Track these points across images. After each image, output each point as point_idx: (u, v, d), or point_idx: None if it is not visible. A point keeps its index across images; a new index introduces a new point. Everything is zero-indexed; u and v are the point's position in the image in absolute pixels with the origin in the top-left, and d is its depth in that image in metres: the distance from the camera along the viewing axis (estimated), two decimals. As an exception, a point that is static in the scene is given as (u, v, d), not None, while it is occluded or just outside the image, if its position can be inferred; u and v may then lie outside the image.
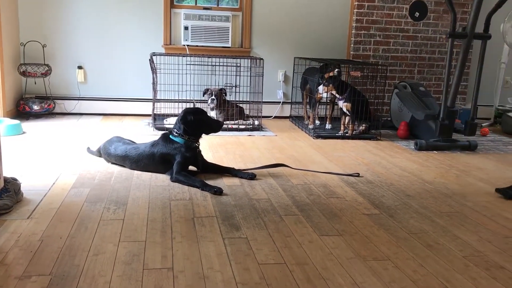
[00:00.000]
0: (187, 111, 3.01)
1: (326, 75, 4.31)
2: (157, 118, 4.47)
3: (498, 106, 5.42)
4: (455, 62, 4.27)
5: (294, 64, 5.15)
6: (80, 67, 4.91)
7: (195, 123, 2.97)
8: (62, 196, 2.49)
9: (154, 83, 4.43)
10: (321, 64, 4.47)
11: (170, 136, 2.99)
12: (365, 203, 2.59)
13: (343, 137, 4.33)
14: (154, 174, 2.95)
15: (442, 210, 2.52)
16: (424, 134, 4.22)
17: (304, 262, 1.85)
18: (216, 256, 1.86)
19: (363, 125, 4.38)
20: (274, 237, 2.07)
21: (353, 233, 2.15)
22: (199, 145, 3.04)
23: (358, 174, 3.14)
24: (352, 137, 4.33)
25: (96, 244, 1.93)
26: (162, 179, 2.85)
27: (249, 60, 4.87)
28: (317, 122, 4.74)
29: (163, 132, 3.27)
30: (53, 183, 2.69)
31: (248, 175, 2.94)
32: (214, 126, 3.07)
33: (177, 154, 2.91)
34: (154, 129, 4.29)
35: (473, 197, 2.77)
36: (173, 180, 2.82)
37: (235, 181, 2.89)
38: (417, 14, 5.24)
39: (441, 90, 5.38)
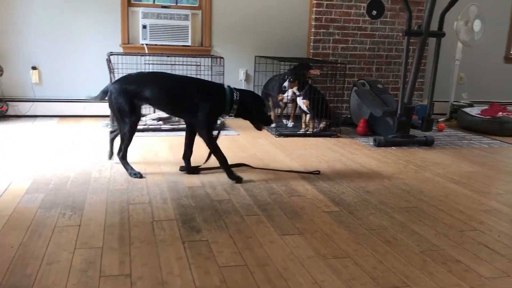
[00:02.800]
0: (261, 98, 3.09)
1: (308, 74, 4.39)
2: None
3: (454, 101, 5.58)
4: (411, 59, 4.36)
5: (255, 63, 5.14)
6: (34, 68, 4.74)
7: (259, 109, 2.96)
8: (14, 202, 2.39)
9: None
10: (296, 64, 4.50)
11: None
12: (326, 200, 2.60)
13: (304, 135, 4.36)
14: (112, 177, 2.87)
15: (401, 206, 2.57)
16: (383, 131, 4.30)
17: (265, 263, 1.84)
18: (175, 261, 1.83)
19: (323, 122, 4.43)
20: (235, 239, 2.05)
21: (313, 232, 2.16)
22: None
23: (319, 171, 3.16)
24: (313, 135, 4.36)
25: (50, 252, 1.86)
26: (120, 182, 2.79)
27: (210, 59, 4.82)
28: (287, 121, 4.74)
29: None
30: (5, 189, 2.58)
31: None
32: (268, 120, 3.08)
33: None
34: (113, 131, 4.19)
35: (430, 192, 2.84)
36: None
37: (195, 181, 2.86)
38: (374, 12, 5.32)
39: (398, 87, 5.49)
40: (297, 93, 4.35)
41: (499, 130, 4.70)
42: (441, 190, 2.89)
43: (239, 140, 4.08)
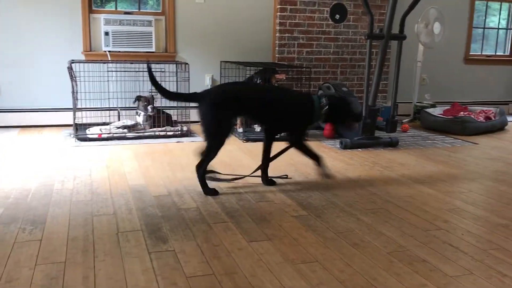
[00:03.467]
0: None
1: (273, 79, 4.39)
2: (79, 128, 4.27)
3: (417, 102, 5.70)
4: (374, 62, 4.43)
5: (221, 68, 5.12)
6: (-9, 77, 4.59)
7: (347, 110, 2.96)
8: (-29, 219, 2.30)
9: (74, 92, 4.23)
10: (261, 69, 4.50)
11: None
12: (294, 205, 2.60)
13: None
14: (75, 188, 2.80)
15: (367, 207, 2.59)
16: (349, 133, 4.34)
17: (233, 271, 1.82)
18: (141, 273, 1.78)
19: (291, 126, 4.44)
20: (202, 248, 2.02)
21: (282, 237, 2.15)
22: None
23: (287, 175, 3.16)
24: (281, 139, 4.36)
25: (9, 269, 1.79)
26: (84, 194, 2.71)
27: (175, 65, 4.78)
28: (255, 126, 4.73)
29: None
30: (-39, 205, 2.47)
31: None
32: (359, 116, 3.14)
33: None
34: (76, 140, 4.09)
35: (396, 193, 2.88)
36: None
37: (161, 190, 2.81)
38: (337, 16, 5.40)
39: (363, 89, 5.58)
40: (264, 98, 4.35)
41: (460, 129, 4.82)
42: (407, 190, 2.94)
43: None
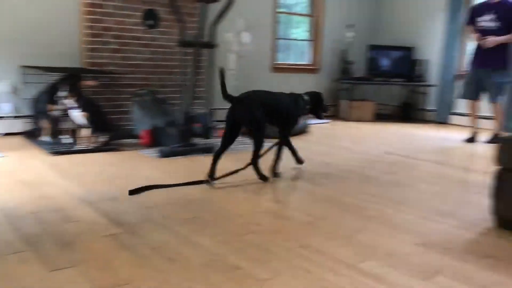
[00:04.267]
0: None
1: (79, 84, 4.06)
2: None
3: (231, 108, 5.91)
4: (189, 69, 4.45)
5: (22, 74, 4.58)
6: None
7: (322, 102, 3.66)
8: None
9: None
10: (66, 75, 4.12)
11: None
12: (106, 223, 2.42)
13: (83, 151, 4.04)
14: None
15: (184, 217, 2.55)
16: (167, 141, 4.28)
17: (30, 309, 1.58)
18: None
19: (104, 136, 4.18)
20: (-9, 286, 1.72)
21: (90, 261, 1.96)
22: None
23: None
24: (93, 150, 4.08)
25: None
26: None
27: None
28: (63, 137, 4.30)
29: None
30: None
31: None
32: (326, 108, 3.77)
33: None
34: None
35: (212, 199, 2.89)
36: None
37: None
38: (150, 22, 5.29)
39: (179, 96, 5.57)
40: (72, 106, 4.02)
41: (270, 133, 5.12)
42: (223, 195, 2.98)
43: (4, 163, 3.55)
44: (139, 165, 3.71)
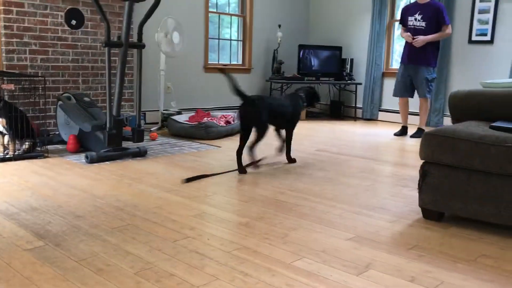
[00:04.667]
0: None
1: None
2: None
3: (163, 110, 5.79)
4: (116, 70, 4.29)
5: None
6: None
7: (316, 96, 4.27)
8: None
9: None
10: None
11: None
12: (28, 236, 2.26)
13: (3, 160, 3.78)
14: None
15: (114, 226, 2.44)
16: (95, 146, 4.10)
17: None
18: None
19: (27, 143, 3.93)
20: None
21: (9, 279, 1.82)
22: None
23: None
24: (15, 158, 3.83)
25: None
26: None
27: None
28: None
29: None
30: None
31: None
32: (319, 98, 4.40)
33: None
34: None
35: (144, 205, 2.80)
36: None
37: None
38: (74, 22, 5.05)
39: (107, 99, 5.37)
40: (-11, 112, 3.74)
41: (205, 134, 5.08)
42: (155, 201, 2.89)
43: None
44: (65, 172, 3.52)
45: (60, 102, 4.45)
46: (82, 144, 4.28)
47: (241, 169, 3.67)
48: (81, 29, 5.14)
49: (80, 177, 3.39)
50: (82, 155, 4.06)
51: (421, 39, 5.42)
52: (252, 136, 3.64)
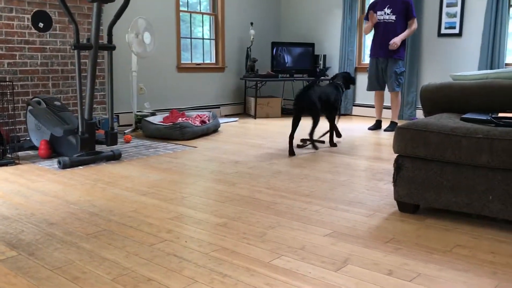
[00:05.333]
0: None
1: None
2: None
3: (137, 112, 5.72)
4: (86, 73, 4.21)
5: None
6: None
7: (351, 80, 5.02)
8: None
9: None
10: None
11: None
12: (0, 246, 2.20)
13: (-29, 169, 3.68)
14: None
15: (89, 232, 2.39)
16: (67, 151, 4.02)
17: None
18: None
19: (-4, 150, 3.83)
20: None
21: (-19, 292, 1.77)
22: None
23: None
24: None
25: None
26: None
27: None
28: None
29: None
30: None
31: None
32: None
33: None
34: None
35: (119, 210, 2.75)
36: None
37: None
38: (41, 24, 4.94)
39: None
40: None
41: (180, 135, 5.03)
42: (130, 205, 2.85)
43: None
44: (37, 178, 3.44)
45: (30, 107, 4.35)
46: (54, 149, 4.20)
47: (292, 152, 4.29)
48: (49, 31, 5.03)
49: (53, 183, 3.32)
50: (55, 161, 3.98)
51: (397, 41, 5.49)
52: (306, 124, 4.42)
